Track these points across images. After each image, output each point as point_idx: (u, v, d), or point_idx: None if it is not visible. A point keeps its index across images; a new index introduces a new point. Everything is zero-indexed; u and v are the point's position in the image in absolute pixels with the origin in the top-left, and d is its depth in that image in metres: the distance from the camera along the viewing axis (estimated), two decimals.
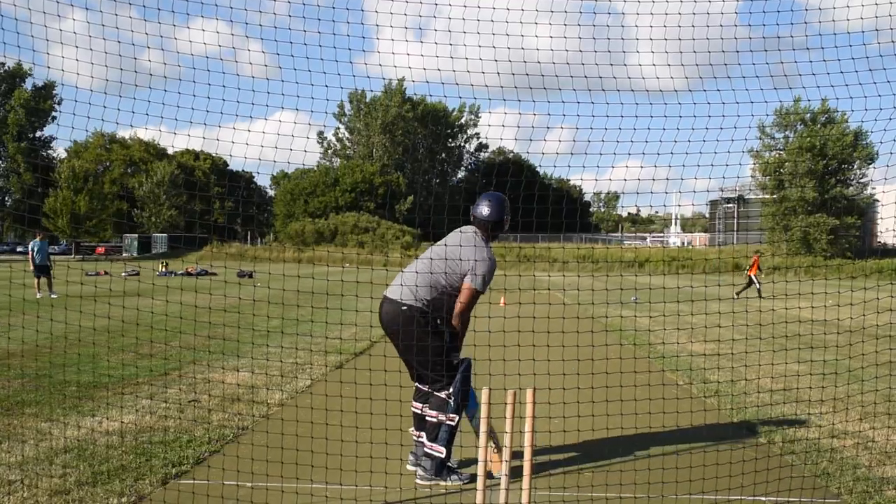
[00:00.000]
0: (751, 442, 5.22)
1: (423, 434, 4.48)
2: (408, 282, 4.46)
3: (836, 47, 4.70)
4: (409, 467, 4.56)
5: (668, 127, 4.58)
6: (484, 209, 4.63)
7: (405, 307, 4.40)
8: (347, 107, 74.77)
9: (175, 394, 6.41)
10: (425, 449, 4.42)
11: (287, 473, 4.12)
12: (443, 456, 4.36)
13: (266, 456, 4.28)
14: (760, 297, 20.94)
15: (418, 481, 4.36)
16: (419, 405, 4.58)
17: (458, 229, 4.75)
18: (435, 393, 4.45)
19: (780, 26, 4.69)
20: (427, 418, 4.46)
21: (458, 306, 4.43)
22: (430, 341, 4.36)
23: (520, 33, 4.56)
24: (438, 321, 4.46)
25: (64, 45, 4.57)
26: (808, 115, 47.25)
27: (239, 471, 4.19)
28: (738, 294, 20.86)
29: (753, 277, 21.81)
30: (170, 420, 5.47)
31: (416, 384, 4.66)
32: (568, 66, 4.59)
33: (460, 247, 4.53)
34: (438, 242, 4.74)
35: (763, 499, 4.04)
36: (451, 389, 4.38)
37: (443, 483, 4.34)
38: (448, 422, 4.37)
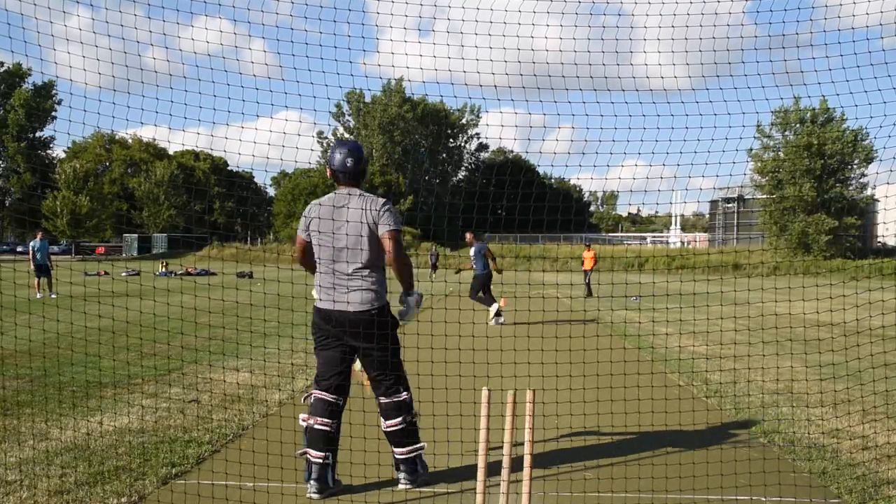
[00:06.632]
0: (751, 442, 5.21)
1: (329, 455, 4.05)
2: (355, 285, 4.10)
3: (841, 43, 4.67)
4: (313, 495, 3.99)
5: (671, 126, 4.57)
6: (348, 161, 4.16)
7: (366, 307, 4.10)
8: (346, 107, 74.78)
9: (175, 394, 6.41)
10: (402, 456, 4.16)
11: (287, 473, 4.12)
12: (424, 448, 4.21)
13: (266, 456, 4.28)
14: (590, 295, 20.31)
15: (408, 486, 4.13)
16: (328, 421, 4.11)
17: (333, 194, 4.23)
18: (392, 398, 4.17)
19: (786, 24, 4.67)
20: (389, 429, 4.18)
21: (388, 257, 4.09)
22: (391, 340, 4.15)
23: (521, 26, 4.53)
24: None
25: (69, 41, 4.57)
26: (808, 114, 47.14)
27: (239, 472, 4.19)
28: (588, 296, 20.45)
29: (587, 273, 21.01)
30: (170, 420, 5.47)
31: (324, 395, 4.15)
32: (575, 66, 4.56)
33: (347, 209, 4.12)
34: (325, 217, 4.17)
35: (763, 499, 4.03)
36: (409, 389, 4.25)
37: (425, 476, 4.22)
38: (414, 419, 4.22)
